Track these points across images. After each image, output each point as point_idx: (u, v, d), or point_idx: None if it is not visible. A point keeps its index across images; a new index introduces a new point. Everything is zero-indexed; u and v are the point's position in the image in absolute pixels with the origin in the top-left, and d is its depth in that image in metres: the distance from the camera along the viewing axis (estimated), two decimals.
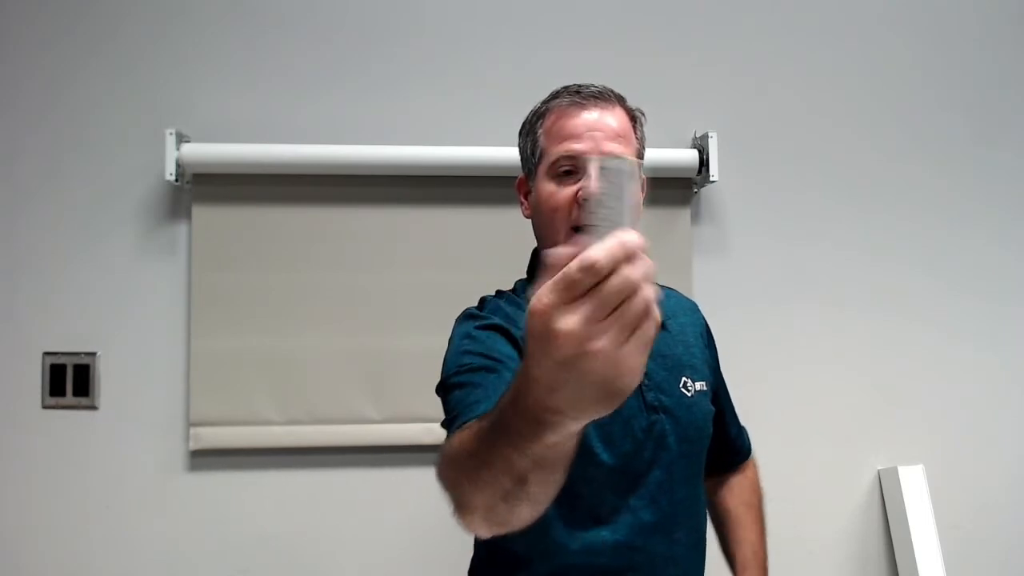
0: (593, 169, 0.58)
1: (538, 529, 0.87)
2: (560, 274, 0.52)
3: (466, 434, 0.77)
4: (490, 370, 0.94)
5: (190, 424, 1.78)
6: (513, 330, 1.01)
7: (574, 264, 0.51)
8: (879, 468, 1.93)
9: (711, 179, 1.84)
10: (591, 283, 0.51)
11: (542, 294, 0.53)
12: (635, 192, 0.58)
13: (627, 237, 0.52)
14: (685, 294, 1.28)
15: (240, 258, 1.81)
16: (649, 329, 0.53)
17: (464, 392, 0.93)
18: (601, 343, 0.52)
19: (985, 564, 1.93)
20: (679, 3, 1.98)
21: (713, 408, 1.15)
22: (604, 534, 1.01)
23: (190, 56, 1.87)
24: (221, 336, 1.79)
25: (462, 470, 0.75)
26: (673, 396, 1.06)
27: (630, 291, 0.51)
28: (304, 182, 1.83)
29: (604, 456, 1.00)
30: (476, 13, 1.93)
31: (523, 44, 1.92)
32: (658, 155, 1.85)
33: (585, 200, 0.58)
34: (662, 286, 1.21)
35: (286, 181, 1.83)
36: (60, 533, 1.76)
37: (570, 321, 0.52)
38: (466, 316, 1.07)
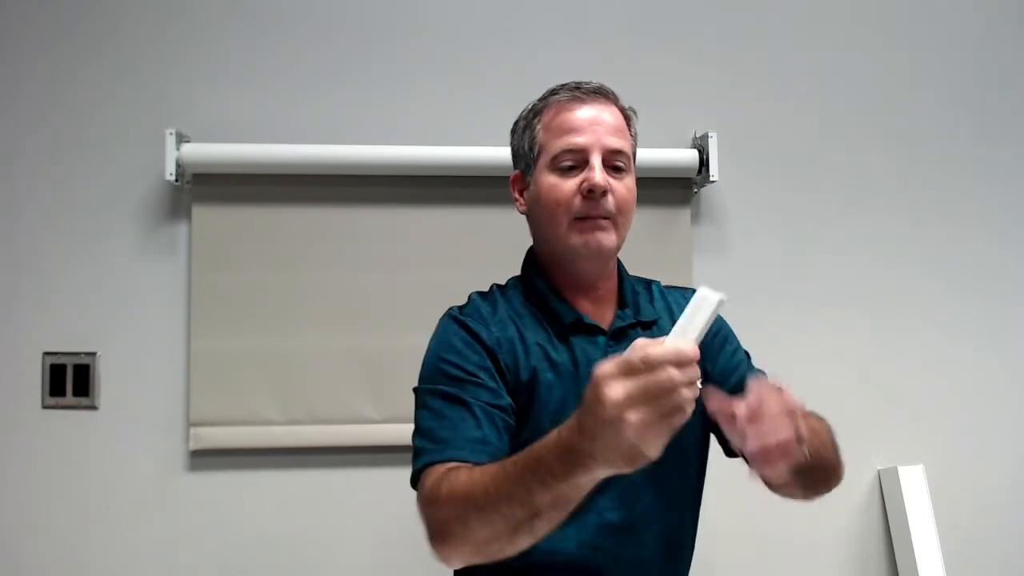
0: (704, 296, 0.72)
1: None
2: (624, 357, 0.67)
3: (474, 474, 0.85)
4: (460, 401, 0.97)
5: (190, 424, 1.78)
6: (483, 332, 1.03)
7: (638, 354, 0.66)
8: (879, 468, 1.93)
9: (711, 179, 1.84)
10: (644, 371, 0.66)
11: (606, 366, 0.68)
12: (706, 322, 0.72)
13: (685, 347, 0.67)
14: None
15: (240, 258, 1.81)
16: (676, 421, 0.67)
17: (435, 422, 0.97)
18: (634, 417, 0.65)
19: (985, 564, 1.93)
20: (679, 3, 1.98)
21: (704, 407, 1.13)
22: (569, 532, 1.00)
23: (190, 56, 1.87)
24: (221, 336, 1.79)
25: (471, 504, 0.82)
26: None
27: (670, 388, 0.65)
28: (304, 182, 1.83)
29: None
30: (476, 13, 1.93)
31: (523, 44, 1.92)
32: (658, 155, 1.86)
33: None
34: (666, 286, 1.19)
35: (286, 181, 1.83)
36: (60, 533, 1.76)
37: (616, 391, 0.66)
38: (448, 317, 1.09)
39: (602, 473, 0.72)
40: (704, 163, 1.85)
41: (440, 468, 0.90)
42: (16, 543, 1.76)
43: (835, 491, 1.99)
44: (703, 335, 0.71)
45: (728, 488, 1.90)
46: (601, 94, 1.10)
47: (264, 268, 1.81)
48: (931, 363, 1.96)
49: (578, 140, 1.05)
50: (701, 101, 1.95)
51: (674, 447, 1.05)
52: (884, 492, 1.92)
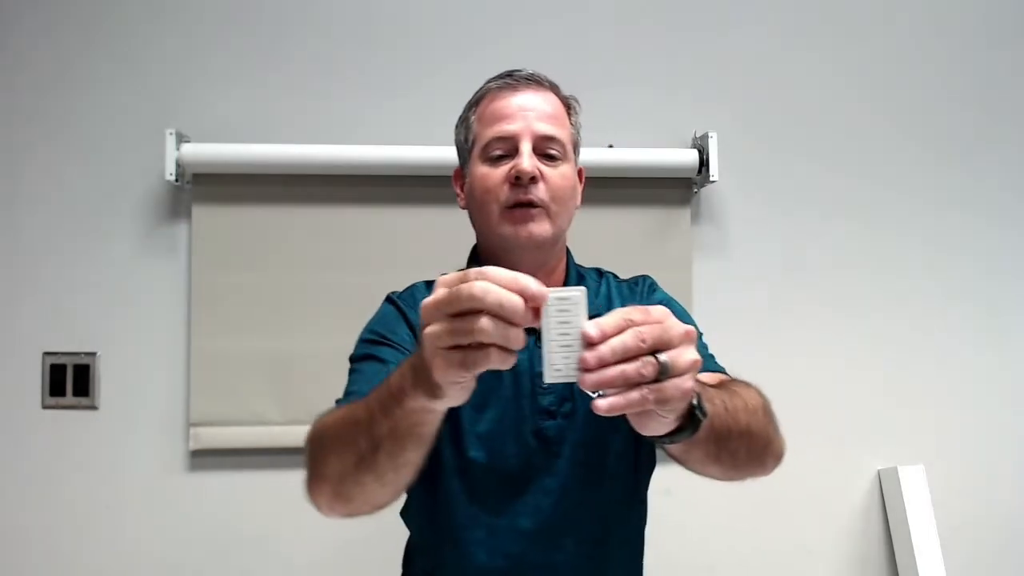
0: (571, 300, 0.64)
1: (428, 521, 1.00)
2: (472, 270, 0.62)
3: (342, 410, 0.84)
4: (377, 359, 0.99)
5: (190, 424, 1.78)
6: (411, 314, 1.04)
7: (478, 271, 0.61)
8: (879, 468, 1.93)
9: (711, 179, 1.84)
10: (463, 281, 0.61)
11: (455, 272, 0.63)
12: (584, 316, 0.64)
13: (527, 282, 0.60)
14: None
15: (240, 258, 1.81)
16: (476, 359, 0.60)
17: (351, 379, 1.01)
18: (429, 328, 0.62)
19: (985, 564, 1.93)
20: (679, 3, 1.98)
21: None
22: (480, 536, 1.00)
23: (190, 56, 1.87)
24: (221, 336, 1.79)
25: (329, 435, 0.82)
26: (574, 399, 1.02)
27: (472, 307, 0.59)
28: (304, 182, 1.83)
29: (481, 458, 1.00)
30: (476, 13, 1.93)
31: (523, 44, 1.92)
32: (658, 155, 1.86)
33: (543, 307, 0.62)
34: (620, 280, 1.15)
35: (286, 181, 1.83)
36: (60, 533, 1.76)
37: (429, 298, 0.62)
38: (385, 299, 1.12)
39: (424, 401, 0.68)
40: (704, 163, 1.85)
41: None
42: (16, 543, 1.76)
43: (835, 491, 2.01)
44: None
45: (727, 488, 1.91)
46: (535, 81, 1.07)
47: (264, 268, 1.81)
48: (932, 363, 1.96)
49: (507, 128, 1.02)
50: (701, 101, 1.95)
51: (596, 452, 1.02)
52: (884, 492, 1.92)
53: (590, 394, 0.99)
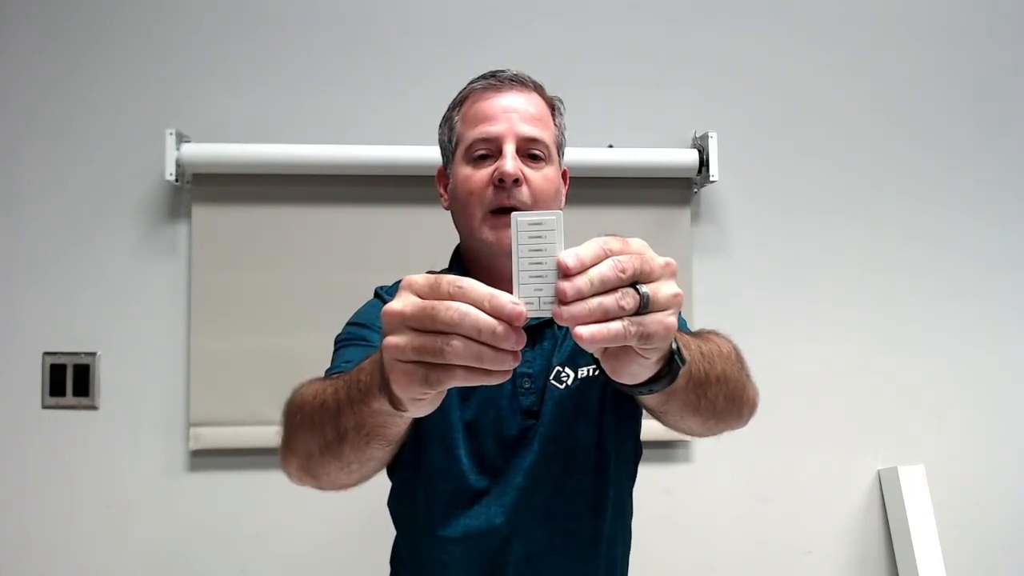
0: (514, 225, 0.60)
1: (411, 517, 1.02)
2: (439, 276, 0.57)
3: (319, 385, 0.82)
4: (352, 344, 1.01)
5: (190, 424, 1.78)
6: None
7: (451, 279, 0.57)
8: (879, 468, 1.93)
9: (711, 179, 1.85)
10: (439, 296, 0.56)
11: (419, 276, 0.59)
12: (560, 244, 0.59)
13: (505, 302, 0.55)
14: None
15: (240, 258, 1.81)
16: (437, 376, 0.56)
17: (335, 357, 1.03)
18: (391, 339, 0.58)
19: (985, 564, 1.93)
20: (679, 3, 1.98)
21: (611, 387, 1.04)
22: (454, 533, 1.01)
23: (190, 56, 1.87)
24: (221, 336, 1.79)
25: (302, 411, 0.82)
26: (545, 395, 1.02)
27: (444, 327, 0.55)
28: (304, 182, 1.83)
29: (463, 454, 1.01)
30: (475, 13, 1.93)
31: (522, 44, 1.92)
32: (658, 155, 1.86)
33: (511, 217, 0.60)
34: None
35: (286, 181, 1.83)
36: (60, 533, 1.77)
37: (398, 304, 0.58)
38: (375, 292, 1.13)
39: (388, 407, 0.65)
40: (704, 163, 1.85)
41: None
42: (16, 543, 1.76)
43: (835, 491, 2.01)
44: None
45: (728, 488, 1.91)
46: (518, 82, 1.06)
47: (264, 268, 1.81)
48: (932, 363, 1.96)
49: (491, 129, 1.02)
50: (701, 101, 1.95)
51: (564, 445, 1.02)
52: (884, 492, 1.92)
53: (558, 385, 0.99)
